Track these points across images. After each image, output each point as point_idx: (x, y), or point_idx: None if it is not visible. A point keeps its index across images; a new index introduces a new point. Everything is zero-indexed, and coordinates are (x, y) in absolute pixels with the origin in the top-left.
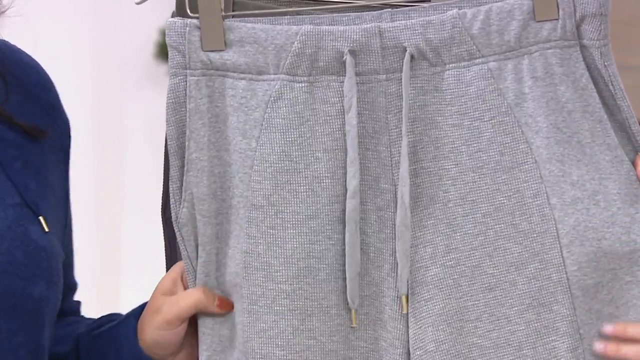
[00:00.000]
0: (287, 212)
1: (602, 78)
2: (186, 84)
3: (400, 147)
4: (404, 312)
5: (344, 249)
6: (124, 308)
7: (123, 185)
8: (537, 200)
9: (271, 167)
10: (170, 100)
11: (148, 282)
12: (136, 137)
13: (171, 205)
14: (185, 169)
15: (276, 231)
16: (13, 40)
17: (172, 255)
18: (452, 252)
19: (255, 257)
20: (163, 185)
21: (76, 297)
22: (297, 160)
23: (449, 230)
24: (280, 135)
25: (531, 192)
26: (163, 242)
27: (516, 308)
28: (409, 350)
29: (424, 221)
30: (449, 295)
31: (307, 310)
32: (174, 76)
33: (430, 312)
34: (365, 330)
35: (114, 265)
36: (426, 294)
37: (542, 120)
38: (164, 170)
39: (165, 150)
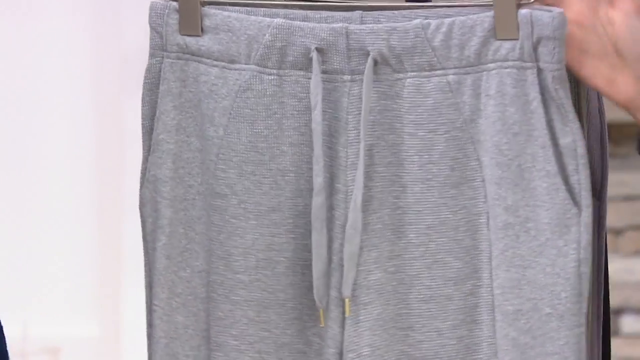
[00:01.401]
0: (249, 203)
1: (553, 102)
2: (162, 66)
3: (357, 149)
4: (347, 314)
5: (305, 244)
6: (126, 307)
7: (124, 184)
8: (480, 219)
9: (237, 156)
10: (147, 81)
11: None
12: (137, 136)
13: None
14: (151, 149)
15: (238, 221)
16: (13, 39)
17: None
18: (395, 258)
19: (218, 245)
20: None
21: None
22: (263, 152)
23: (395, 237)
24: (248, 126)
25: (476, 210)
26: None
27: (449, 322)
28: (341, 351)
29: (372, 225)
30: (388, 301)
31: (264, 302)
32: (151, 57)
33: (369, 316)
34: (319, 327)
35: (115, 264)
36: (366, 298)
37: (488, 140)
38: None
39: None
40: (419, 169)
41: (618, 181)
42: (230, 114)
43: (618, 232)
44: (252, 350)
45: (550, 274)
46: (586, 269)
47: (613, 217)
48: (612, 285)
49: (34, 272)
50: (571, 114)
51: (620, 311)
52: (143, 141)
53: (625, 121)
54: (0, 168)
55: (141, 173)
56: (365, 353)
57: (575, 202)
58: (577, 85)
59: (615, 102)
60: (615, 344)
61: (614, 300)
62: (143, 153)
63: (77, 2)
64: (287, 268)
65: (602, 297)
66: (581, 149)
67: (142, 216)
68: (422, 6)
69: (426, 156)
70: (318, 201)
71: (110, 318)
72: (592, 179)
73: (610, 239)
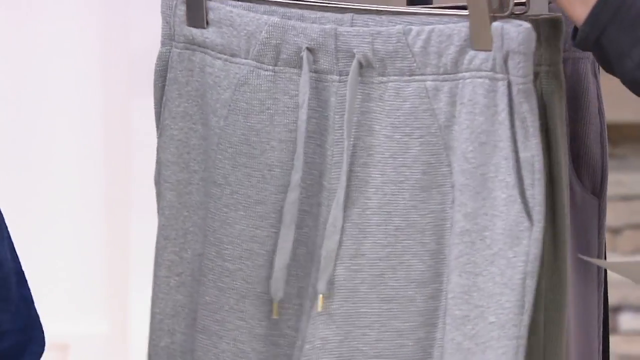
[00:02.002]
0: (240, 194)
1: (518, 115)
2: (170, 54)
3: (341, 148)
4: (319, 310)
5: None
6: (135, 305)
7: (132, 183)
8: (446, 224)
9: (232, 148)
10: (157, 68)
11: None
12: (144, 135)
13: None
14: (159, 133)
15: (229, 210)
16: (21, 39)
17: None
18: (359, 257)
19: (212, 232)
20: None
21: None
22: (254, 146)
23: (361, 237)
24: (243, 119)
25: (443, 215)
26: None
27: (409, 324)
28: (303, 344)
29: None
30: (346, 298)
31: (242, 292)
32: (162, 45)
33: (326, 310)
34: (297, 320)
35: (124, 262)
36: (325, 292)
37: (458, 147)
38: None
39: None
40: (393, 171)
41: (616, 181)
42: (230, 106)
43: (616, 231)
44: (228, 337)
45: (498, 283)
46: (531, 282)
47: (611, 216)
48: (610, 284)
49: (42, 270)
50: (532, 129)
51: (618, 309)
52: (156, 125)
53: (624, 122)
54: (9, 168)
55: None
56: (317, 345)
57: (529, 216)
58: (541, 99)
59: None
60: (614, 342)
61: (613, 298)
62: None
63: (85, 3)
64: (266, 261)
65: (602, 295)
66: (538, 164)
67: (156, 193)
68: (409, 12)
69: (400, 159)
70: (291, 197)
71: (118, 315)
72: (592, 178)
73: (608, 238)
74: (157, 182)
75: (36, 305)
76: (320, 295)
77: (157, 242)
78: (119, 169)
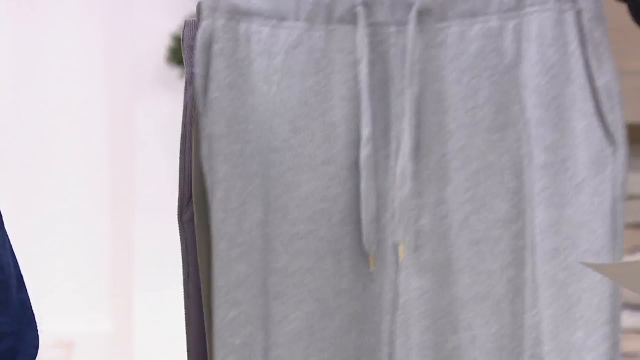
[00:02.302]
0: (303, 156)
1: (590, 42)
2: (214, 27)
3: (403, 99)
4: (401, 260)
5: (357, 194)
6: (139, 303)
7: (136, 188)
8: (525, 161)
9: (289, 112)
10: (202, 42)
11: (162, 284)
12: (149, 139)
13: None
14: (206, 108)
15: (293, 173)
16: (26, 44)
17: (190, 258)
18: (442, 204)
19: (274, 198)
20: (179, 187)
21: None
22: (314, 107)
23: (442, 183)
24: (299, 82)
25: (521, 152)
26: (180, 246)
27: (498, 264)
28: (397, 296)
29: (419, 172)
30: (437, 245)
31: (320, 252)
32: (205, 19)
33: (418, 260)
34: (377, 273)
35: (128, 261)
36: (414, 243)
37: (530, 82)
38: (180, 172)
39: (180, 151)
40: (465, 115)
41: None
42: (282, 70)
43: None
44: (311, 299)
45: (587, 211)
46: (621, 206)
47: None
48: None
49: (47, 269)
50: (606, 54)
51: None
52: (197, 101)
53: None
54: (16, 168)
55: (193, 130)
56: (414, 296)
57: (611, 141)
58: None
59: None
60: None
61: None
62: (197, 112)
63: (91, 6)
64: (341, 219)
65: None
66: (616, 88)
67: (204, 173)
68: None
69: (471, 102)
70: (365, 152)
71: (123, 313)
72: None
73: None
74: (208, 157)
75: (41, 304)
76: (401, 245)
77: (215, 216)
78: (124, 168)
